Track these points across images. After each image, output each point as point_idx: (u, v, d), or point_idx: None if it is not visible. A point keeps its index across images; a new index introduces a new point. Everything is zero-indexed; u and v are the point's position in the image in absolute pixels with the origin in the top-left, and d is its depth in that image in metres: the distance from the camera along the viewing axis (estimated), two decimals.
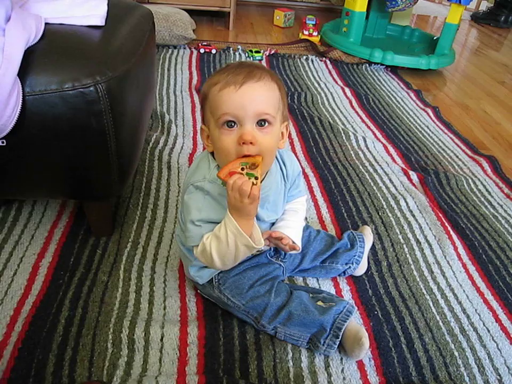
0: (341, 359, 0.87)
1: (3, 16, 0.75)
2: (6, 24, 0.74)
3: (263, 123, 0.73)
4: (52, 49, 0.83)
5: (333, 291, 1.01)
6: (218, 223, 0.78)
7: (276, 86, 0.76)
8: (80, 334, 0.86)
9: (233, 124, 0.72)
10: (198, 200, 0.78)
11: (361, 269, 1.05)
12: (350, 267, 1.01)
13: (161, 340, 0.86)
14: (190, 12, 2.65)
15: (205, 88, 0.77)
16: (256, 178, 0.72)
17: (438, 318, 0.98)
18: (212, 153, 0.81)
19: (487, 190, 1.48)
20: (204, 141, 0.80)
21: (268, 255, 0.95)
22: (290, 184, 0.91)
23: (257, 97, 0.72)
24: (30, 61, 0.77)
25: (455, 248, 1.18)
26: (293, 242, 0.87)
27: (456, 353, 0.91)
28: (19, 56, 0.74)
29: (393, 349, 0.90)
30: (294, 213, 0.93)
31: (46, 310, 0.90)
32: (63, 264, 1.01)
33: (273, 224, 0.91)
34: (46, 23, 0.86)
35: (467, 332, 0.96)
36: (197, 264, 0.89)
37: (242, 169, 0.72)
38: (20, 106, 0.75)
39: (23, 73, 0.75)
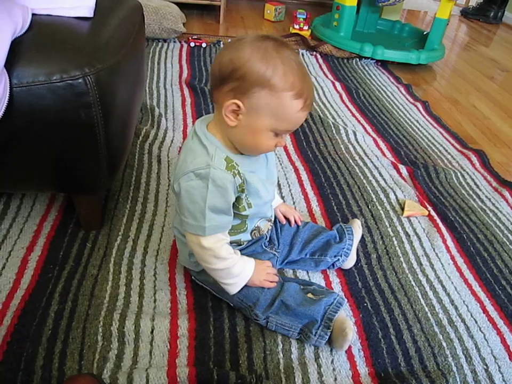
0: (331, 350, 0.88)
1: None
2: None
3: None
4: (40, 40, 0.82)
5: (323, 283, 1.02)
6: (223, 211, 0.78)
7: None
8: (70, 328, 0.86)
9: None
10: (200, 189, 0.75)
11: (350, 262, 1.06)
12: (338, 259, 1.02)
13: (152, 332, 0.86)
14: (180, 5, 2.63)
15: (266, 76, 0.68)
16: None
17: (426, 309, 1.00)
18: (201, 137, 0.78)
19: (475, 183, 1.49)
20: (229, 115, 0.72)
21: (262, 244, 0.95)
22: None
23: None
24: (17, 52, 0.76)
25: (444, 241, 1.20)
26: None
27: (444, 344, 0.92)
28: (5, 47, 0.73)
29: (382, 340, 0.91)
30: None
31: (35, 304, 0.89)
32: (52, 258, 1.00)
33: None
34: (33, 14, 0.85)
35: (455, 323, 0.98)
36: None
37: None
38: (7, 98, 0.74)
39: (10, 64, 0.74)
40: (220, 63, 0.71)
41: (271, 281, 0.89)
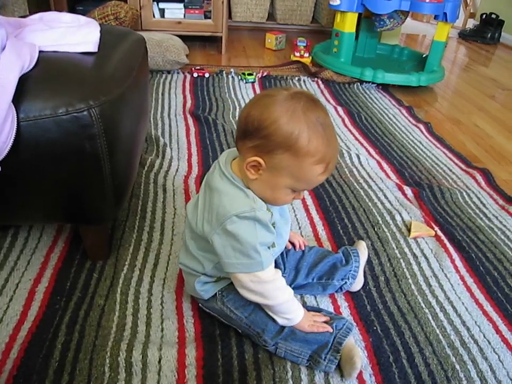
0: (341, 376, 0.86)
1: None
2: (1, 54, 0.76)
3: None
4: (46, 75, 0.84)
5: (331, 308, 1.01)
6: (268, 245, 0.81)
7: None
8: (77, 359, 0.85)
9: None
10: (248, 229, 0.75)
11: (357, 284, 1.05)
12: (346, 282, 1.01)
13: (159, 362, 0.85)
14: (183, 38, 2.70)
15: (291, 140, 0.69)
16: None
17: (437, 331, 0.98)
18: (231, 179, 0.78)
19: (481, 202, 1.48)
20: (250, 169, 0.75)
21: None
22: None
23: None
24: (25, 88, 0.78)
25: (452, 261, 1.18)
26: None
27: (457, 367, 0.90)
28: (13, 84, 0.75)
29: (393, 364, 0.90)
30: None
31: (42, 336, 0.89)
32: (59, 289, 1.00)
33: None
34: (40, 51, 0.88)
35: (468, 345, 0.96)
36: (203, 279, 0.89)
37: None
38: (15, 132, 0.76)
39: (18, 99, 0.76)
40: (247, 117, 0.72)
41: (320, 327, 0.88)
